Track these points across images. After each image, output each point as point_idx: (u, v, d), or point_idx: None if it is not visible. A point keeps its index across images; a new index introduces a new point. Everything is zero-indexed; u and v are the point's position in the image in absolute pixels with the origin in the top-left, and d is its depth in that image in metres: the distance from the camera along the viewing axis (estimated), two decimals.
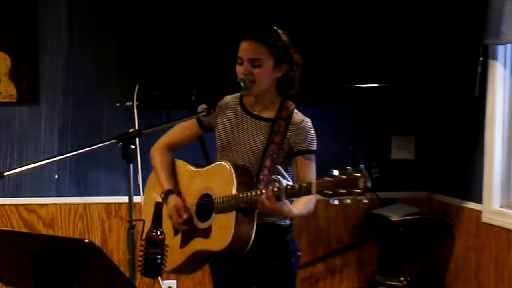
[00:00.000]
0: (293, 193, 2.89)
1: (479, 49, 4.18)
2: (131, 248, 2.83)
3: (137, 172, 4.44)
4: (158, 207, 2.93)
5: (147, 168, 4.51)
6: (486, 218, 4.32)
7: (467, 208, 4.51)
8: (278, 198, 2.90)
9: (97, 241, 4.47)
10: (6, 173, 2.69)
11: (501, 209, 4.26)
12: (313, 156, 3.15)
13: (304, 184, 2.86)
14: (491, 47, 4.22)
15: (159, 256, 2.86)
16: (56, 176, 4.50)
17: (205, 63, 4.20)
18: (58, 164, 4.45)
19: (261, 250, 3.10)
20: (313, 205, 3.11)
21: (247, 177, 3.09)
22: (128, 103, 4.51)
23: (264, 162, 3.10)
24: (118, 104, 4.54)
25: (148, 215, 2.99)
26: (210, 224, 3.12)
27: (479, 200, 4.38)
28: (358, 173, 2.70)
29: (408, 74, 4.29)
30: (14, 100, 4.42)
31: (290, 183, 2.92)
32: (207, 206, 3.15)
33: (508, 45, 4.19)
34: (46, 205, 4.50)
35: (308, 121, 3.17)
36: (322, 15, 4.21)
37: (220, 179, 3.11)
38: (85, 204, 4.54)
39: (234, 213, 3.02)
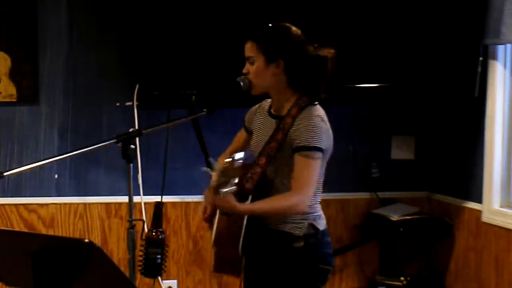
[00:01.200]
0: (220, 182, 2.80)
1: (479, 49, 4.18)
2: (131, 248, 2.83)
3: (137, 172, 4.44)
4: (158, 207, 2.94)
5: (147, 168, 4.53)
6: (486, 218, 4.32)
7: (467, 208, 4.51)
8: (215, 191, 2.81)
9: (97, 241, 4.46)
10: (6, 173, 2.69)
11: (501, 209, 4.26)
12: (312, 153, 2.94)
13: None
14: (491, 47, 4.22)
15: (159, 256, 2.87)
16: (56, 176, 4.50)
17: (205, 63, 4.20)
18: (58, 164, 4.45)
19: (270, 258, 3.06)
20: (286, 202, 2.96)
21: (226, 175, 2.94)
22: (128, 103, 4.51)
23: (258, 159, 3.02)
24: (118, 104, 4.54)
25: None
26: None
27: (479, 200, 4.38)
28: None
29: (408, 74, 4.29)
30: (14, 100, 4.42)
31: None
32: None
33: (508, 45, 4.19)
34: (46, 205, 4.50)
35: (314, 116, 2.98)
36: (322, 15, 4.21)
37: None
38: (85, 204, 4.54)
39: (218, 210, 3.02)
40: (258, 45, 3.05)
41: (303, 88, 3.08)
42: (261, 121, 3.18)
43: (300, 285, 3.06)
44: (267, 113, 3.17)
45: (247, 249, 2.97)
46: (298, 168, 2.95)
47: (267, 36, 3.07)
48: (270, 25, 3.12)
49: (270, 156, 3.01)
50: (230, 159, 2.77)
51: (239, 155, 2.84)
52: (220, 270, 3.09)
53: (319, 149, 2.96)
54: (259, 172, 2.98)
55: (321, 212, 3.12)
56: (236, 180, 2.83)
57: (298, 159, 2.96)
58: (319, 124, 2.98)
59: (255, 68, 3.05)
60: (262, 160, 3.01)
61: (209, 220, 3.11)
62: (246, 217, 2.95)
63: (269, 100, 3.21)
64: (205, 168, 2.87)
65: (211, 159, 2.96)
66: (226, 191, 2.80)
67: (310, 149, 2.95)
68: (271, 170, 3.03)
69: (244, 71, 3.09)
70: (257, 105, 3.26)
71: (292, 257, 3.05)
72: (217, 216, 3.00)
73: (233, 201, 2.87)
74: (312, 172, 2.96)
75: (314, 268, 3.07)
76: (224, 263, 3.05)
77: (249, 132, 3.26)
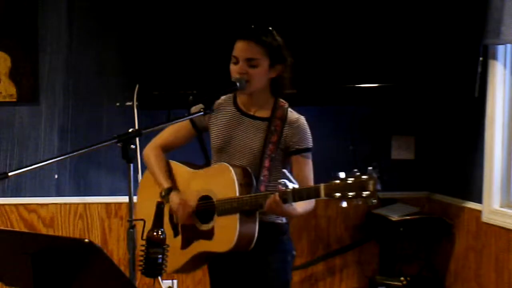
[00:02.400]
0: (301, 197, 2.92)
1: (479, 49, 4.18)
2: (131, 248, 2.83)
3: (137, 172, 4.44)
4: (159, 207, 2.94)
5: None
6: (486, 218, 4.32)
7: (467, 208, 4.51)
8: (284, 201, 2.92)
9: (97, 241, 4.47)
10: (10, 173, 2.69)
11: (501, 209, 4.26)
12: (310, 154, 3.17)
13: (312, 188, 2.91)
14: (491, 47, 4.22)
15: (160, 256, 2.87)
16: (56, 176, 4.50)
17: (205, 63, 4.20)
18: (58, 164, 4.45)
19: (258, 248, 3.09)
20: (314, 202, 3.11)
21: (247, 178, 3.08)
22: (128, 103, 4.51)
23: (263, 162, 3.10)
24: (118, 104, 4.54)
25: (144, 215, 2.98)
26: (212, 226, 3.12)
27: (479, 200, 4.38)
28: (366, 175, 2.73)
29: (408, 74, 4.29)
30: (14, 100, 4.42)
31: (296, 185, 2.93)
32: (207, 207, 3.14)
33: (508, 45, 4.19)
34: (46, 205, 4.50)
35: (302, 119, 3.17)
36: (322, 15, 4.21)
37: (220, 180, 3.11)
38: (85, 204, 4.54)
39: (238, 214, 3.03)
40: (264, 48, 3.09)
41: (277, 90, 3.19)
42: (228, 118, 3.20)
43: (288, 272, 3.24)
44: (236, 111, 3.19)
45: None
46: (305, 169, 3.16)
47: (273, 40, 3.11)
48: (269, 28, 3.15)
49: (272, 158, 3.11)
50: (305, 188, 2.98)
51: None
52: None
53: (312, 149, 3.20)
54: (267, 174, 3.10)
55: None
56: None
57: (301, 160, 3.15)
58: (307, 127, 3.19)
59: (259, 71, 3.09)
60: (267, 163, 3.10)
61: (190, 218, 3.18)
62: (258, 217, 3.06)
63: (222, 98, 3.22)
64: (283, 180, 2.95)
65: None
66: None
67: (310, 150, 3.18)
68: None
69: (239, 71, 3.09)
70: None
71: (279, 244, 3.21)
72: (238, 218, 3.02)
73: (294, 206, 3.02)
74: (311, 170, 3.19)
75: (292, 255, 3.28)
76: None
77: (199, 129, 3.28)
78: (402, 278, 4.55)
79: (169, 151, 3.38)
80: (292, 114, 3.18)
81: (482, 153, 4.34)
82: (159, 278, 4.44)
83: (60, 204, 4.52)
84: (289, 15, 4.13)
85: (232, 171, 3.06)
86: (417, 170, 4.94)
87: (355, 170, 2.77)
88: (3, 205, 4.45)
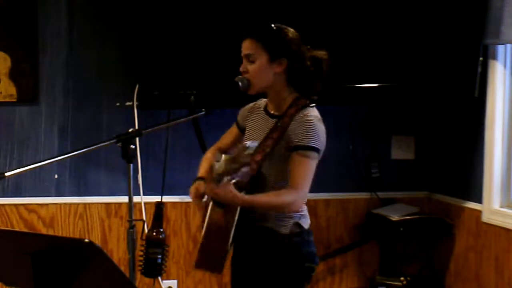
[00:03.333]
0: (228, 169, 2.78)
1: (479, 49, 4.18)
2: (131, 248, 2.84)
3: (137, 172, 4.44)
4: (158, 207, 2.94)
5: (147, 168, 4.53)
6: (486, 218, 4.32)
7: (467, 208, 4.51)
8: (217, 179, 2.80)
9: (97, 241, 4.47)
10: (7, 173, 2.70)
11: (501, 209, 4.26)
12: (310, 153, 2.97)
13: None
14: (491, 47, 4.22)
15: (159, 256, 2.87)
16: (56, 176, 4.50)
17: (205, 63, 4.20)
18: (58, 164, 4.45)
19: (255, 255, 3.06)
20: (283, 199, 2.96)
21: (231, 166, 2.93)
22: (128, 103, 4.51)
23: (254, 156, 2.98)
24: (118, 104, 4.54)
25: None
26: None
27: (479, 200, 4.38)
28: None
29: (408, 74, 4.29)
30: (14, 100, 4.42)
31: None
32: None
33: (508, 45, 4.19)
34: (46, 205, 4.50)
35: (312, 117, 3.01)
36: (322, 15, 4.21)
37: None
38: (85, 204, 4.54)
39: (211, 202, 2.97)
40: (260, 42, 3.04)
41: (301, 88, 3.10)
42: (257, 119, 3.18)
43: (286, 284, 3.07)
44: (263, 112, 3.18)
45: (234, 244, 2.99)
46: (296, 167, 2.97)
47: (270, 34, 3.06)
48: (271, 24, 3.11)
49: (265, 153, 3.01)
50: (243, 146, 2.76)
51: (252, 143, 2.86)
52: (202, 266, 3.03)
53: (316, 150, 2.99)
54: (254, 168, 2.98)
55: (306, 212, 3.13)
56: (246, 169, 2.83)
57: (295, 157, 2.98)
58: (316, 124, 3.01)
59: (257, 66, 3.04)
60: (258, 157, 3.00)
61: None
62: (238, 211, 2.94)
63: (264, 99, 3.22)
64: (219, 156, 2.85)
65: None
66: (230, 179, 2.80)
67: (308, 148, 2.97)
68: (266, 167, 3.03)
69: (241, 69, 3.07)
70: (251, 103, 3.26)
71: (278, 255, 3.05)
72: (209, 208, 2.96)
73: (235, 191, 2.86)
74: (308, 171, 2.98)
75: (300, 266, 3.07)
76: (208, 258, 3.00)
77: (242, 129, 3.26)
78: (402, 278, 4.55)
79: (226, 152, 3.28)
80: (305, 111, 3.04)
81: (482, 153, 4.34)
82: (159, 278, 4.44)
83: (60, 204, 4.51)
84: (289, 15, 4.13)
85: (222, 157, 2.91)
86: (417, 170, 4.94)
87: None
88: (3, 205, 4.45)
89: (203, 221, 3.03)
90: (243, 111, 3.28)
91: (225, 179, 2.79)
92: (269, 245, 3.06)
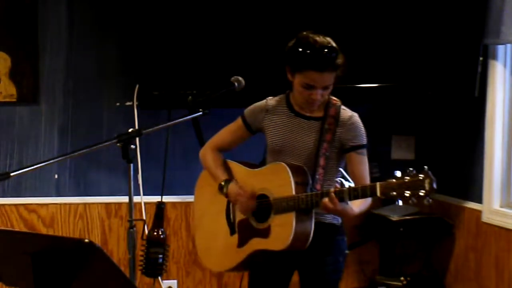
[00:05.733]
0: (356, 195, 2.94)
1: (479, 49, 4.18)
2: (131, 248, 2.84)
3: (137, 172, 4.44)
4: (159, 207, 2.94)
5: (147, 168, 4.53)
6: (486, 218, 4.32)
7: (467, 208, 4.51)
8: (341, 200, 2.94)
9: (97, 241, 4.46)
10: (12, 174, 2.70)
11: (501, 209, 4.26)
12: (365, 151, 3.20)
13: (368, 186, 2.93)
14: (491, 47, 4.22)
15: (160, 256, 2.87)
16: (56, 176, 4.50)
17: (205, 64, 4.20)
18: (58, 164, 4.44)
19: (314, 247, 3.11)
20: (370, 201, 3.13)
21: (303, 177, 3.10)
22: (128, 103, 4.51)
23: (318, 161, 3.11)
24: (118, 104, 4.54)
25: (203, 212, 3.14)
26: (269, 224, 3.13)
27: (479, 200, 4.38)
28: (422, 174, 2.79)
29: (408, 74, 4.29)
30: (14, 100, 4.42)
31: (352, 184, 2.97)
32: (264, 206, 3.16)
33: (508, 45, 4.19)
34: (46, 205, 4.50)
35: (356, 116, 3.20)
36: (322, 15, 4.20)
37: (276, 179, 3.13)
38: (85, 204, 4.54)
39: (294, 212, 3.04)
40: (336, 72, 3.10)
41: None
42: (282, 120, 3.21)
43: (339, 272, 3.30)
44: (290, 112, 3.20)
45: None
46: (361, 166, 3.19)
47: (341, 61, 3.14)
48: (335, 46, 3.14)
49: (327, 156, 3.13)
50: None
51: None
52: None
53: (366, 146, 3.24)
54: (322, 173, 3.11)
55: None
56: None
57: (355, 157, 3.18)
58: (361, 124, 3.22)
59: (329, 91, 3.14)
60: (322, 161, 3.12)
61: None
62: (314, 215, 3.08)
63: (272, 98, 3.24)
64: (339, 179, 3.05)
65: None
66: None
67: (365, 147, 3.21)
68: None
69: (318, 97, 3.10)
70: (261, 105, 3.27)
71: (337, 246, 3.27)
72: (294, 217, 3.03)
73: (351, 206, 3.04)
74: (367, 167, 3.23)
75: (345, 254, 3.33)
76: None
77: (253, 131, 3.29)
78: (402, 278, 4.55)
79: (225, 152, 3.39)
80: (345, 111, 3.20)
81: (482, 153, 4.34)
82: (159, 278, 4.44)
83: (60, 204, 4.51)
84: (289, 16, 4.13)
85: (288, 170, 3.07)
86: (417, 170, 4.92)
87: (411, 169, 2.82)
88: (3, 205, 4.45)
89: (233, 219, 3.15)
90: (254, 113, 3.28)
91: (346, 199, 2.95)
92: (331, 237, 3.25)
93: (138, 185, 4.45)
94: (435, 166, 4.85)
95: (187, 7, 4.21)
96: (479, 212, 4.37)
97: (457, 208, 4.59)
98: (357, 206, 3.07)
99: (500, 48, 4.21)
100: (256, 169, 3.28)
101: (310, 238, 3.06)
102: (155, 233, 2.89)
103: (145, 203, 4.45)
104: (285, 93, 3.23)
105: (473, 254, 4.45)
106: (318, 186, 3.08)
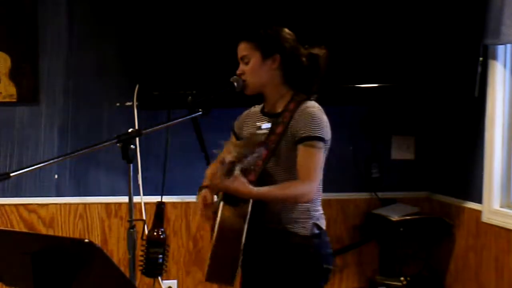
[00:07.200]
0: (239, 155, 2.80)
1: (479, 49, 4.18)
2: (131, 248, 2.83)
3: (137, 172, 4.44)
4: (159, 207, 2.94)
5: (147, 168, 4.53)
6: (486, 218, 4.32)
7: (467, 208, 4.51)
8: (228, 170, 2.80)
9: (97, 241, 4.46)
10: (12, 174, 2.70)
11: (501, 209, 4.26)
12: (315, 143, 2.96)
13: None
14: (491, 47, 4.22)
15: (160, 256, 2.87)
16: (56, 176, 4.50)
17: (205, 64, 4.20)
18: (58, 164, 4.44)
19: (269, 258, 3.03)
20: (296, 190, 2.95)
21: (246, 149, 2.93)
22: (128, 103, 4.51)
23: (260, 152, 2.97)
24: (118, 104, 4.54)
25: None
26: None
27: (479, 200, 4.38)
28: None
29: (408, 74, 4.29)
30: (14, 100, 4.42)
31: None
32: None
33: (508, 45, 4.19)
34: (46, 205, 4.50)
35: (313, 108, 3.02)
36: (322, 15, 4.21)
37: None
38: (85, 204, 4.54)
39: (221, 201, 2.95)
40: (252, 42, 3.07)
41: (298, 84, 3.11)
42: (253, 122, 3.18)
43: (305, 286, 3.05)
44: (260, 114, 3.18)
45: (246, 248, 2.91)
46: (304, 158, 2.96)
47: (261, 33, 3.10)
48: (264, 26, 3.13)
49: (271, 149, 3.00)
50: (256, 127, 2.75)
51: (266, 124, 2.82)
52: (213, 276, 2.96)
53: (322, 139, 2.99)
54: (261, 164, 2.97)
55: (322, 211, 3.13)
56: (260, 151, 2.82)
57: (302, 149, 2.97)
58: (319, 115, 3.02)
59: (251, 65, 3.07)
60: (264, 153, 2.99)
61: (212, 211, 3.03)
62: (250, 209, 2.89)
63: (258, 106, 3.23)
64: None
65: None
66: (244, 166, 2.78)
67: (313, 138, 2.97)
68: (272, 165, 3.03)
69: (238, 72, 3.10)
70: (245, 112, 3.27)
71: (297, 258, 3.03)
72: (220, 207, 2.93)
73: (247, 183, 2.84)
74: (317, 161, 2.97)
75: (319, 268, 3.07)
76: (219, 266, 2.92)
77: (239, 138, 3.24)
78: (402, 278, 4.55)
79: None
80: (306, 104, 3.05)
81: (482, 153, 4.34)
82: (159, 278, 4.44)
83: (60, 204, 4.51)
84: (289, 16, 4.13)
85: (229, 145, 2.95)
86: (417, 170, 4.94)
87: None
88: (3, 205, 4.45)
89: (212, 231, 2.98)
90: (238, 121, 3.28)
91: (237, 168, 2.79)
92: (286, 247, 3.03)
93: (138, 185, 4.44)
94: (435, 166, 4.89)
95: (187, 7, 4.21)
96: (479, 212, 4.37)
97: (457, 208, 4.60)
98: (265, 188, 2.89)
99: (500, 48, 4.21)
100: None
101: (243, 238, 2.85)
102: (155, 233, 2.88)
103: (145, 203, 4.45)
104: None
105: (473, 254, 4.45)
106: (252, 177, 2.88)
